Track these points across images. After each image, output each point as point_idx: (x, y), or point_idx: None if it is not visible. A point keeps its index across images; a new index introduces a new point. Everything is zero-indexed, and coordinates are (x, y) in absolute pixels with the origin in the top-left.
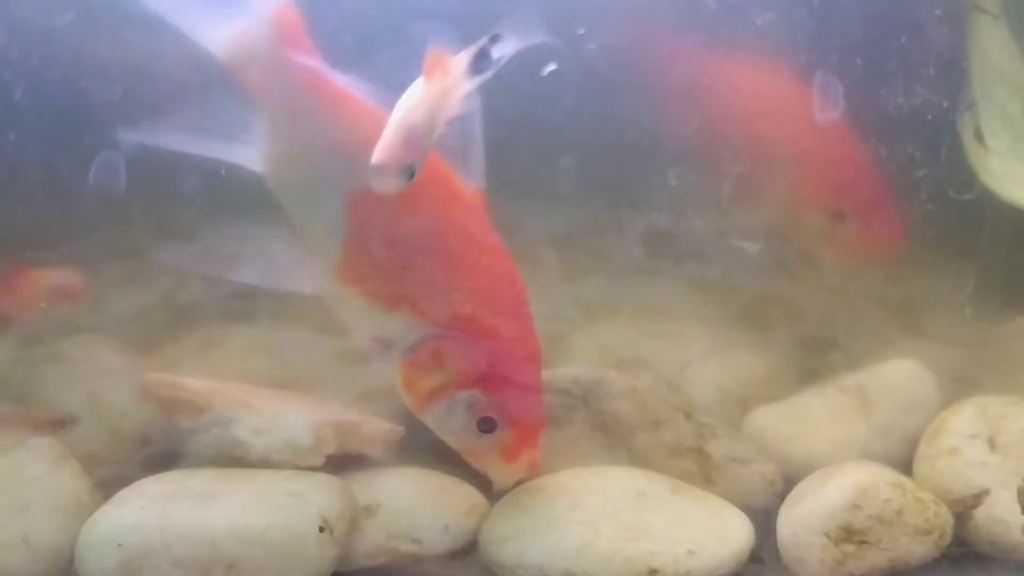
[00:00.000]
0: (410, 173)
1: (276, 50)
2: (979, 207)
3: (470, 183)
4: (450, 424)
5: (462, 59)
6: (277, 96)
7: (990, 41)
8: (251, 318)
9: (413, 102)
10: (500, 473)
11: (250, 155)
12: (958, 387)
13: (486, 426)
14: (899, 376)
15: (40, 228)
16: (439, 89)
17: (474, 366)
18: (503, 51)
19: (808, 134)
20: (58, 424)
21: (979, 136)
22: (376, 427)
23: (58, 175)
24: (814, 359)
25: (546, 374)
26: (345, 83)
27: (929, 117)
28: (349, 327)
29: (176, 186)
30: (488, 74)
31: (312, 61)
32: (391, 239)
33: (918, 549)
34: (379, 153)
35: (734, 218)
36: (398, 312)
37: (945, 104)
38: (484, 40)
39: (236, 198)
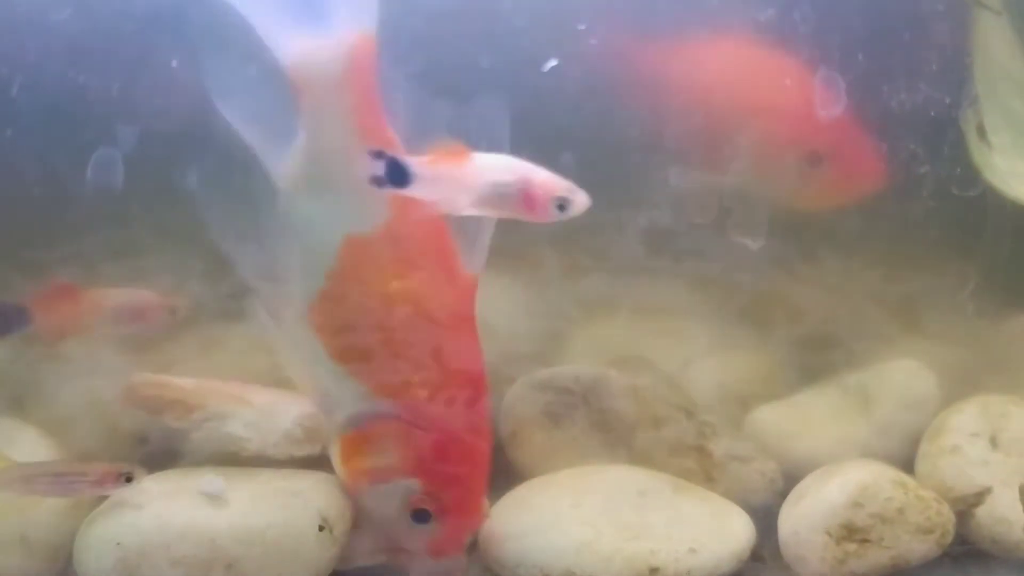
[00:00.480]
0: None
1: (339, 79)
2: (982, 204)
3: (469, 267)
4: (383, 508)
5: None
6: (322, 122)
7: (993, 37)
8: (250, 316)
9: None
10: (421, 566)
11: (279, 167)
12: (960, 385)
13: (420, 517)
14: (901, 374)
15: (39, 226)
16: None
17: (420, 454)
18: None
19: (775, 79)
20: (123, 476)
21: (982, 133)
22: None
23: (56, 172)
24: (815, 357)
25: (546, 372)
26: (390, 130)
27: (932, 113)
28: (294, 372)
29: (175, 184)
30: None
31: (368, 99)
32: (374, 296)
33: (920, 547)
34: (571, 187)
35: (708, 175)
36: (355, 376)
37: (948, 100)
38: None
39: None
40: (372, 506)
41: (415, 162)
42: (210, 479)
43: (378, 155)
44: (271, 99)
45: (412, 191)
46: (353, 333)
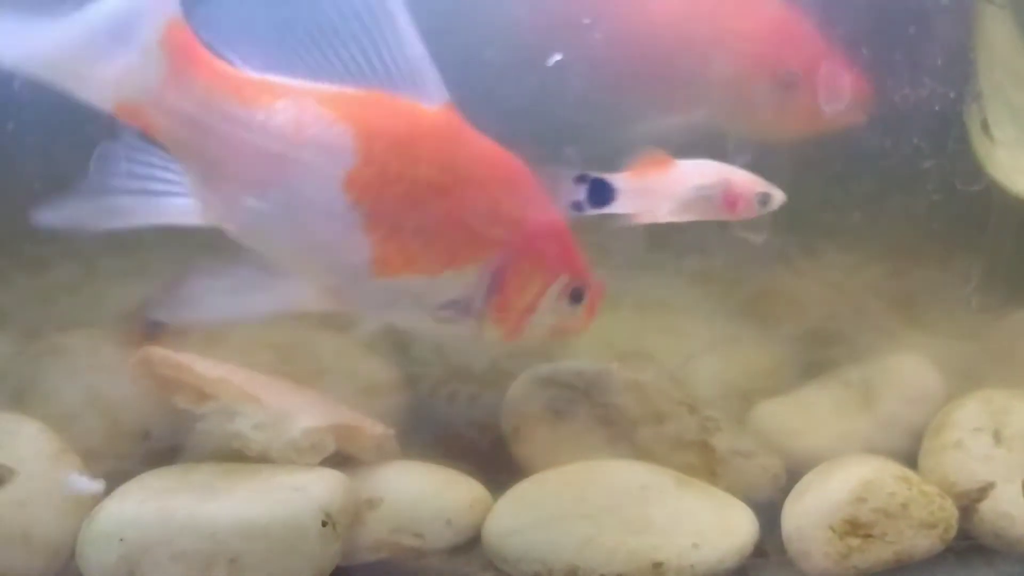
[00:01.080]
0: (764, 201)
1: (174, 76)
2: (985, 199)
3: (433, 102)
4: (549, 318)
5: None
6: (190, 127)
7: (997, 32)
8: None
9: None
10: (585, 328)
11: (185, 207)
12: (963, 380)
13: (576, 296)
14: (903, 369)
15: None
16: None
17: (550, 259)
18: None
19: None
20: None
21: (985, 128)
22: (371, 431)
23: (56, 166)
24: (818, 353)
25: (549, 368)
26: (261, 75)
27: (936, 108)
28: (395, 319)
29: None
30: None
31: (219, 70)
32: (420, 199)
33: (923, 542)
34: (766, 186)
35: (680, 113)
36: (455, 267)
37: (952, 95)
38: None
39: None
40: (542, 329)
41: (619, 179)
42: (76, 477)
43: (580, 179)
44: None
45: (615, 207)
46: (426, 239)
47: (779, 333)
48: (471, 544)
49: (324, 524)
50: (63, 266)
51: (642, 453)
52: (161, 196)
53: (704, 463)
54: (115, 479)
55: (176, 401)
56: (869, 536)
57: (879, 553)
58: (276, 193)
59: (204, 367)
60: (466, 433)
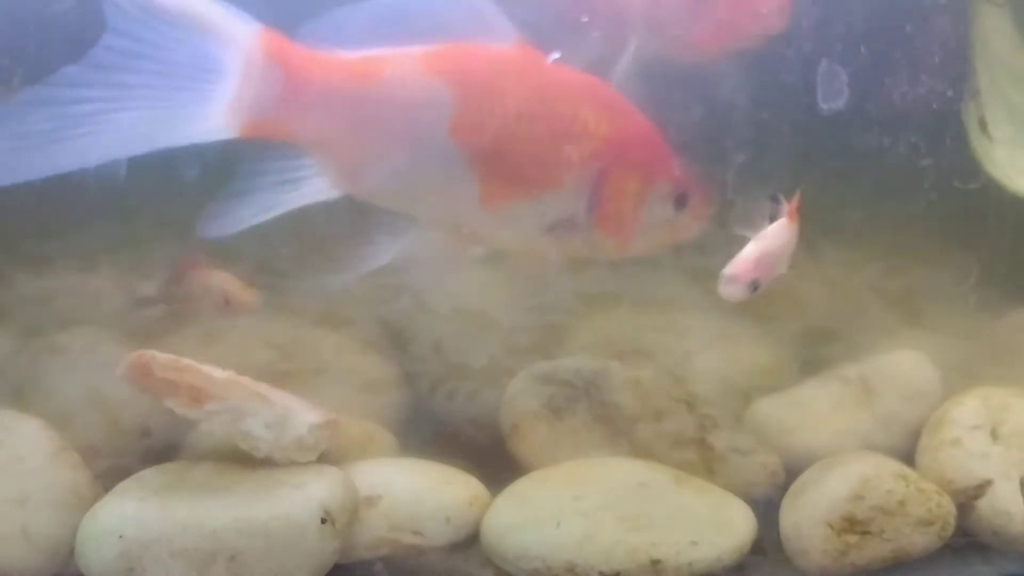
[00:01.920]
0: (754, 287)
1: (289, 81)
2: (983, 197)
3: (505, 42)
4: (657, 226)
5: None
6: (319, 119)
7: (995, 31)
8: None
9: (775, 234)
10: (695, 232)
11: (320, 187)
12: (960, 378)
13: (681, 202)
14: (901, 367)
15: (39, 219)
16: (793, 232)
17: (646, 164)
18: None
19: None
20: None
21: (983, 126)
22: (357, 425)
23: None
24: (816, 350)
25: (548, 365)
26: (365, 53)
27: (934, 106)
28: (513, 246)
29: (174, 177)
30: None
31: (325, 60)
32: (514, 131)
33: (921, 540)
34: (732, 266)
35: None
36: (554, 187)
37: (950, 93)
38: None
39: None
40: (651, 235)
41: None
42: None
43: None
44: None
45: None
46: (525, 166)
47: (778, 330)
48: (470, 541)
49: (323, 521)
50: (63, 264)
51: (640, 451)
52: (299, 182)
53: (702, 460)
54: (114, 477)
55: (171, 406)
56: (867, 533)
57: (877, 550)
58: (397, 154)
59: (210, 369)
60: (465, 430)
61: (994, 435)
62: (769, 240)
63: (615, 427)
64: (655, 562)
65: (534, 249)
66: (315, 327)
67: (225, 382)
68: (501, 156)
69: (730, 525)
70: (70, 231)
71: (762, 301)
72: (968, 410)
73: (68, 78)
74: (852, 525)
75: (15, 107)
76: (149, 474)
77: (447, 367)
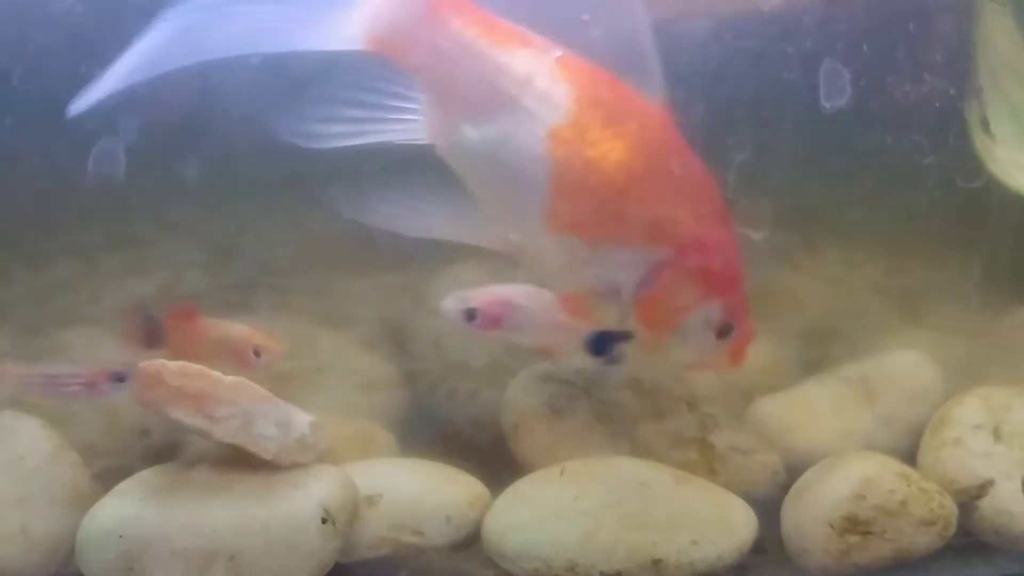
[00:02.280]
0: (470, 316)
1: (423, 15)
2: (985, 195)
3: (652, 97)
4: (691, 341)
5: (586, 330)
6: (438, 61)
7: (997, 30)
8: (251, 308)
9: (536, 299)
10: (729, 371)
11: (412, 128)
12: (962, 377)
13: (724, 332)
14: (903, 366)
15: (38, 217)
16: (556, 320)
17: (711, 279)
18: (621, 350)
19: None
20: (115, 376)
21: (985, 125)
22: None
23: (56, 163)
24: (818, 349)
25: (549, 365)
26: (513, 27)
27: (936, 105)
28: (555, 279)
29: (174, 175)
30: (599, 357)
31: (469, 14)
32: (604, 168)
33: (922, 540)
34: (471, 295)
35: None
36: (618, 245)
37: (952, 92)
38: (617, 332)
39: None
40: (680, 345)
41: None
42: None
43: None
44: (362, 97)
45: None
46: (606, 212)
47: (779, 330)
48: (471, 541)
49: (323, 521)
50: (62, 262)
51: (641, 450)
52: (392, 112)
53: (703, 460)
54: (114, 476)
55: (181, 417)
56: (868, 533)
57: (878, 550)
58: (491, 126)
59: (219, 374)
60: (466, 430)
61: (996, 434)
62: (528, 298)
63: (616, 426)
64: (656, 561)
65: (564, 286)
66: (315, 327)
67: (233, 385)
68: (583, 186)
69: (731, 524)
70: (70, 229)
71: (764, 300)
72: (970, 409)
73: None
74: (854, 525)
75: None
76: (149, 474)
77: (447, 366)
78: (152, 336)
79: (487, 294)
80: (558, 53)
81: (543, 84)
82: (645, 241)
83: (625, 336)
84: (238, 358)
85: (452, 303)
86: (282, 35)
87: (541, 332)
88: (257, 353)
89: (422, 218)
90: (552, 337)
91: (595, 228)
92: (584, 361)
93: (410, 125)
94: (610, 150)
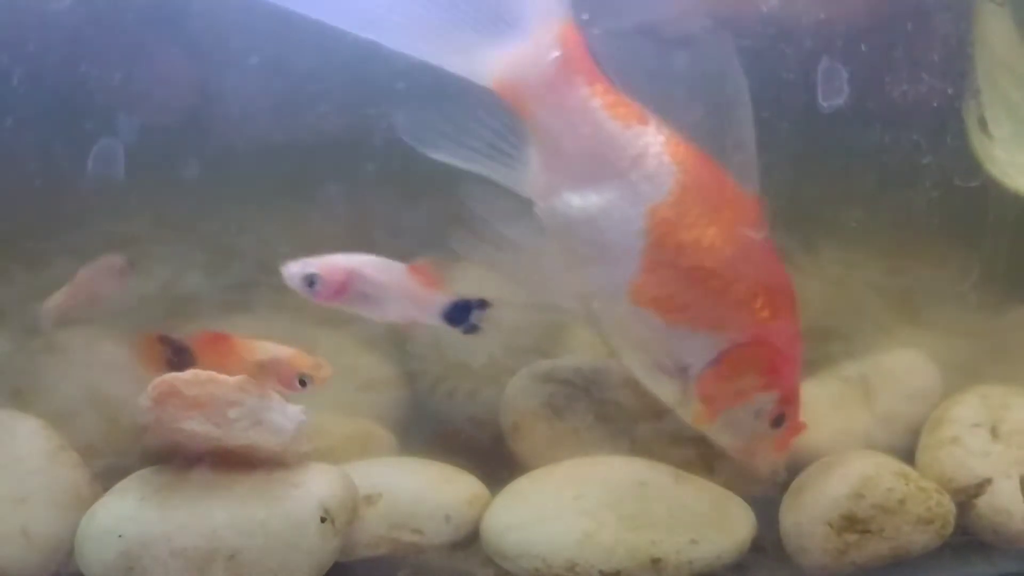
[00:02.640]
0: (310, 282)
1: (556, 76)
2: (983, 195)
3: (747, 187)
4: (743, 425)
5: (441, 300)
6: (558, 122)
7: (995, 30)
8: (250, 309)
9: (385, 272)
10: (773, 462)
11: (516, 178)
12: (961, 376)
13: (778, 422)
14: (901, 365)
15: (37, 216)
16: (409, 290)
17: (774, 371)
18: (480, 318)
19: None
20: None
21: (983, 125)
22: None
23: (56, 163)
24: (816, 349)
25: (548, 364)
26: (635, 104)
27: (934, 105)
28: (626, 350)
29: (174, 175)
30: (457, 327)
31: (597, 85)
32: (697, 253)
33: (920, 538)
34: (313, 262)
35: None
36: (691, 326)
37: (950, 92)
38: (472, 300)
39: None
40: (731, 428)
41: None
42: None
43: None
44: (483, 128)
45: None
46: (684, 291)
47: None
48: (470, 540)
49: (323, 520)
50: (61, 262)
51: (641, 449)
52: (499, 156)
53: (703, 459)
54: (114, 476)
55: (194, 427)
56: (867, 532)
57: (877, 549)
58: (594, 195)
59: (225, 376)
60: (465, 429)
61: (994, 433)
62: (374, 268)
63: (615, 425)
64: (655, 560)
65: (631, 363)
66: (315, 326)
67: (237, 385)
68: (673, 266)
69: (730, 523)
70: (70, 229)
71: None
72: (968, 408)
73: None
74: (852, 524)
75: None
76: (148, 473)
77: (447, 366)
78: (179, 361)
79: (330, 261)
80: (669, 134)
81: (652, 163)
82: (721, 326)
83: (482, 304)
84: (282, 385)
85: (293, 268)
86: (425, 43)
87: (392, 305)
88: (303, 382)
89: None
90: (405, 310)
91: (676, 308)
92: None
93: (515, 173)
94: (703, 235)
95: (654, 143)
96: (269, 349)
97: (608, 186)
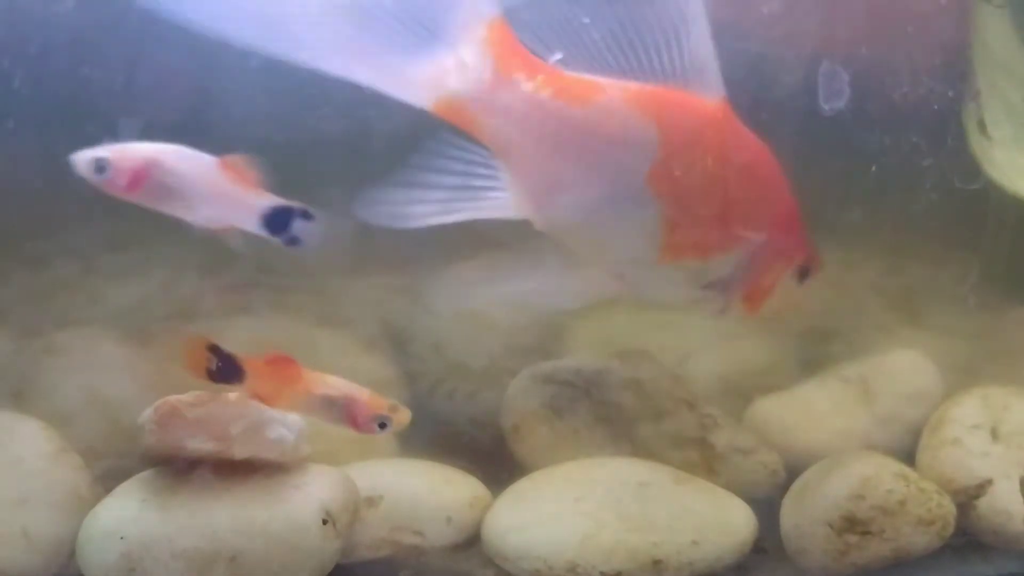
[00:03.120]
0: (99, 168)
1: (493, 81)
2: (982, 197)
3: (711, 95)
4: (784, 294)
5: (261, 203)
6: (514, 128)
7: (994, 32)
8: (250, 310)
9: (190, 162)
10: (805, 299)
11: (502, 202)
12: (961, 377)
13: (805, 275)
14: (902, 366)
15: (37, 217)
16: (221, 187)
17: (789, 247)
18: (303, 230)
19: None
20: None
21: (983, 127)
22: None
23: (56, 163)
24: (817, 349)
25: (549, 366)
26: (582, 77)
27: (934, 107)
28: (663, 298)
29: None
30: (277, 237)
31: (539, 75)
32: (705, 191)
33: (921, 539)
34: (108, 147)
35: None
36: (726, 252)
37: (950, 94)
38: (296, 207)
39: None
40: (777, 301)
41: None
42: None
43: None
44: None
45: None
46: (712, 229)
47: (778, 330)
48: (471, 542)
49: (324, 522)
50: (61, 263)
51: (641, 450)
52: (479, 191)
53: (703, 460)
54: (115, 477)
55: (198, 446)
56: (867, 533)
57: (877, 550)
58: (590, 188)
59: (228, 393)
60: (466, 431)
61: (994, 434)
62: (177, 158)
63: (616, 427)
64: (656, 562)
65: (676, 301)
66: (315, 327)
67: (238, 400)
68: (689, 213)
69: (731, 524)
70: (69, 229)
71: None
72: (968, 409)
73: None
74: (852, 525)
75: None
76: (150, 475)
77: (447, 367)
78: (222, 374)
79: (125, 147)
80: (629, 91)
81: (629, 131)
82: (745, 237)
83: (306, 214)
84: (352, 425)
85: (82, 154)
86: (355, 65)
87: (200, 202)
88: (383, 424)
89: (540, 295)
90: (218, 211)
91: (705, 247)
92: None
93: (499, 201)
94: (702, 171)
95: (619, 109)
96: (340, 386)
97: (596, 173)
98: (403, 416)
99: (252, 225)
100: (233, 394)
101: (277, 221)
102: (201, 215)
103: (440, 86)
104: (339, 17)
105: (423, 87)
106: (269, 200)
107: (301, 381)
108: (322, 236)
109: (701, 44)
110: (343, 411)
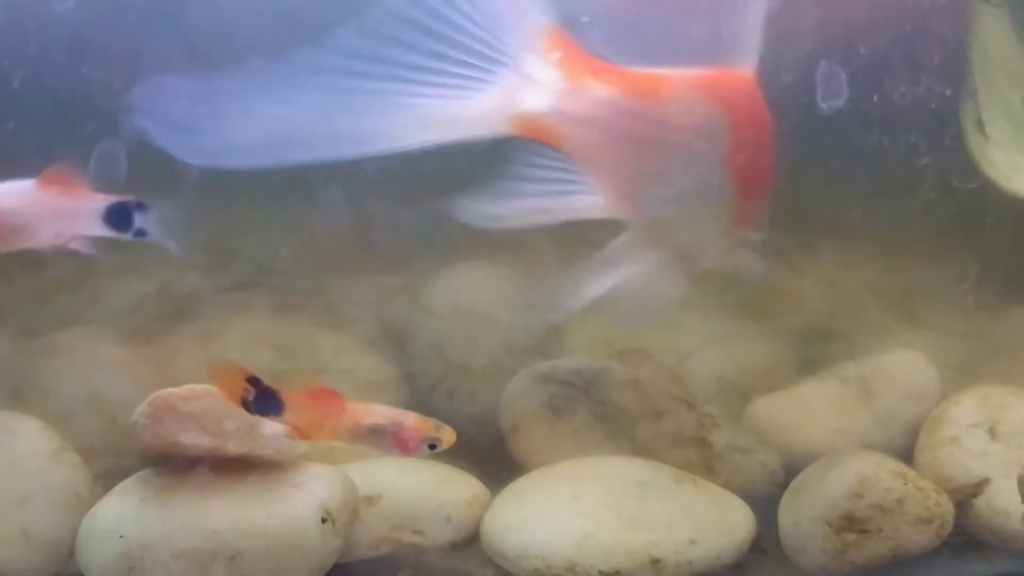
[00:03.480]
0: None
1: (563, 91)
2: (981, 197)
3: (748, 69)
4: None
5: (97, 205)
6: (592, 133)
7: (992, 31)
8: (250, 309)
9: (16, 198)
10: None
11: (591, 204)
12: (959, 377)
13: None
14: (900, 366)
15: None
16: (51, 204)
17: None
18: (145, 224)
19: None
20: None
21: (980, 126)
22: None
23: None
24: (815, 349)
25: (548, 365)
26: (647, 69)
27: (932, 106)
28: (718, 266)
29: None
30: (125, 233)
31: (606, 75)
32: (763, 159)
33: (919, 538)
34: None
35: None
36: (762, 216)
37: (948, 93)
38: (130, 200)
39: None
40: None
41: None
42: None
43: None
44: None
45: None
46: (763, 191)
47: (776, 329)
48: (470, 540)
49: (323, 521)
50: (61, 263)
51: (640, 449)
52: (571, 195)
53: (702, 459)
54: (114, 477)
55: (193, 440)
56: (865, 532)
57: (875, 549)
58: (675, 180)
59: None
60: (465, 430)
61: (992, 433)
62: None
63: (615, 426)
64: (655, 561)
65: (719, 266)
66: (315, 327)
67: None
68: (753, 186)
69: (729, 524)
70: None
71: (762, 300)
72: (966, 409)
73: (346, 45)
74: (851, 523)
75: None
76: (149, 474)
77: (447, 367)
78: (259, 406)
79: None
80: (694, 78)
81: (701, 120)
82: (767, 203)
83: (140, 205)
84: (402, 450)
85: None
86: (423, 130)
87: (37, 227)
88: (433, 446)
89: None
90: (59, 227)
91: (755, 215)
92: None
93: (590, 201)
94: (760, 145)
95: (686, 99)
96: (385, 413)
97: (674, 165)
98: (449, 435)
99: (96, 228)
100: (272, 427)
101: (118, 218)
102: (44, 238)
103: (512, 108)
104: (391, 97)
105: (495, 116)
106: (103, 200)
107: (347, 413)
108: (166, 224)
109: (753, 16)
110: (392, 438)
